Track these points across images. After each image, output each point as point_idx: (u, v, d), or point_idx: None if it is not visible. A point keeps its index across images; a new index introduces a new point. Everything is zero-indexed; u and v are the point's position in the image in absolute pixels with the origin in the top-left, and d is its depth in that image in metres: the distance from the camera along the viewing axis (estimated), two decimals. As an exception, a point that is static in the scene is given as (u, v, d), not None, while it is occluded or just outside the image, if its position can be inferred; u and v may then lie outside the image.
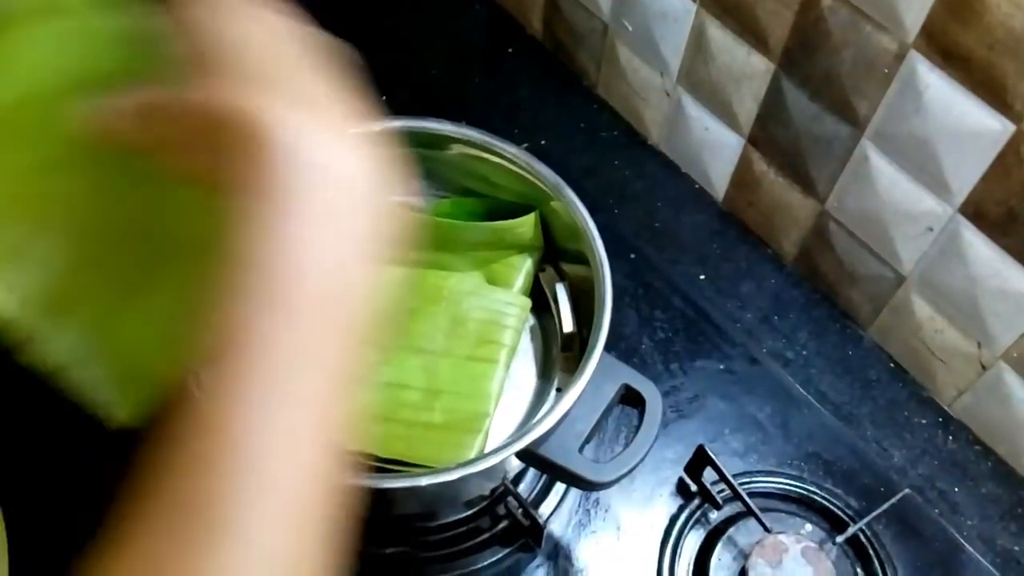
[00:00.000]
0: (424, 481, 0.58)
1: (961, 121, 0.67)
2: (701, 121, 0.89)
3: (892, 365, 0.85)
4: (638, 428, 0.60)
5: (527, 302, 0.71)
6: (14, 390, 0.80)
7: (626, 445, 0.77)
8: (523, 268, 0.72)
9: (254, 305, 0.32)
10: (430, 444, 0.64)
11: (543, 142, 0.94)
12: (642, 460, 0.59)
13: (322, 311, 0.33)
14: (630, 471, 0.59)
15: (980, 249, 0.71)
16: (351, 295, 0.34)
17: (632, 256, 0.88)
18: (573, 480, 0.60)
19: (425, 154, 0.73)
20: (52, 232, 0.37)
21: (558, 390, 0.69)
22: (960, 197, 0.70)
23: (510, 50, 1.05)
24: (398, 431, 0.64)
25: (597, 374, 0.59)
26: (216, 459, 0.31)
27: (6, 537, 0.58)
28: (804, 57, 0.75)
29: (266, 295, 0.32)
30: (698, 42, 0.84)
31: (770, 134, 0.83)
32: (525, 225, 0.71)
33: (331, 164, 0.34)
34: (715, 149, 0.90)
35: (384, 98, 1.04)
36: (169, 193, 0.38)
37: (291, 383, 0.32)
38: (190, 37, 0.36)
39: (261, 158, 0.33)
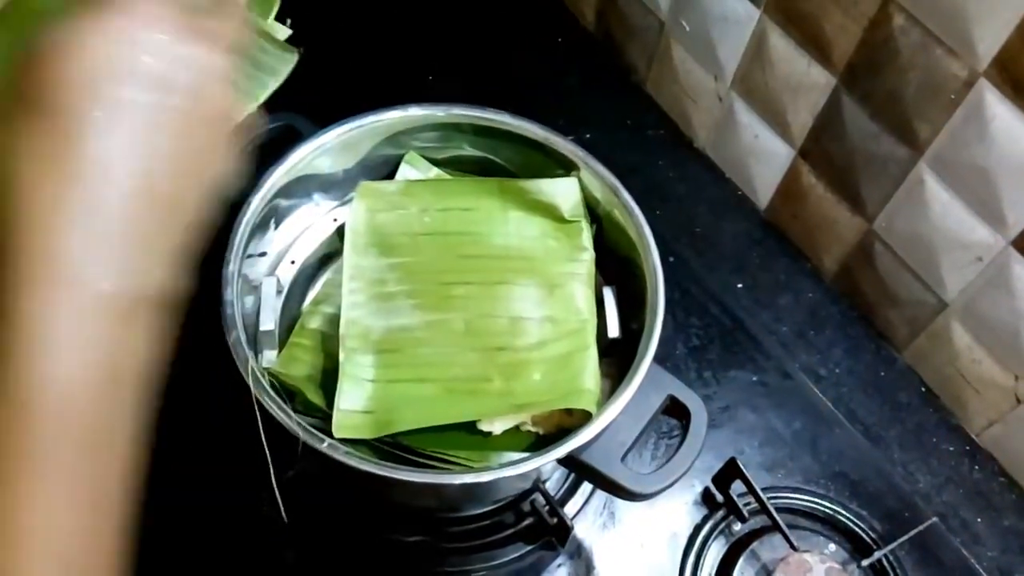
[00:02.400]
0: (460, 480, 0.57)
1: (1026, 155, 0.66)
2: (752, 128, 0.88)
3: (924, 390, 0.84)
4: (682, 441, 0.60)
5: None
6: None
7: (654, 453, 0.78)
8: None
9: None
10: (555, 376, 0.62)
11: (588, 136, 0.93)
12: (684, 474, 0.59)
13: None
14: (672, 484, 0.59)
15: (1030, 284, 0.70)
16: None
17: (671, 259, 0.87)
18: (613, 489, 0.59)
19: (475, 142, 0.72)
20: None
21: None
22: (1015, 230, 0.69)
23: (559, 39, 1.04)
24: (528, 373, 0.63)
25: (643, 383, 0.59)
26: None
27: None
28: (868, 74, 0.74)
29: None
30: (758, 49, 0.83)
31: (823, 148, 0.82)
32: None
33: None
34: (763, 158, 0.89)
35: (431, 79, 1.04)
36: None
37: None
38: None
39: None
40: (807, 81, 0.80)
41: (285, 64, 0.52)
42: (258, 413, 0.58)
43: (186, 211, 0.37)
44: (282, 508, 0.61)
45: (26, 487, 0.32)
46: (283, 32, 0.55)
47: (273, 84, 0.51)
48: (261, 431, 0.58)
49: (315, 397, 0.63)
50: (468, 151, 0.73)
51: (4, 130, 0.34)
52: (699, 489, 0.77)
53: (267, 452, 0.65)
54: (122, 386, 0.35)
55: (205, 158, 0.37)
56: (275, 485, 0.59)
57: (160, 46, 0.35)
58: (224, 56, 0.38)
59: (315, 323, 0.67)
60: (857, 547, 0.74)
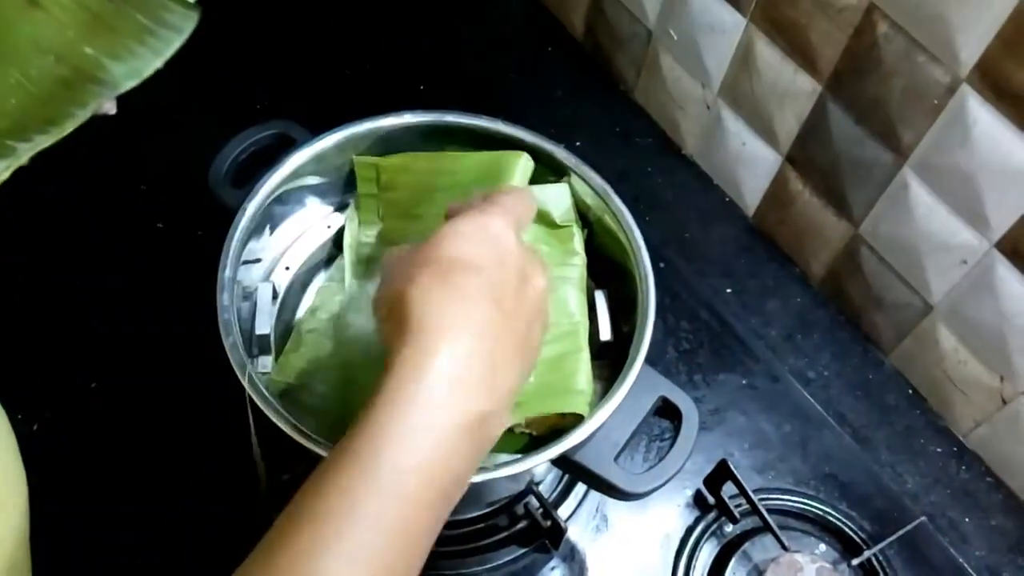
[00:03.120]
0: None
1: (1007, 159, 0.67)
2: (739, 135, 0.89)
3: (911, 392, 0.85)
4: (673, 441, 0.61)
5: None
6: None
7: (646, 455, 0.78)
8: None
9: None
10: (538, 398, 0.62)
11: (577, 143, 0.94)
12: (676, 473, 0.60)
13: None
14: (664, 483, 0.59)
15: (1013, 285, 0.72)
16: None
17: (661, 265, 0.88)
18: (607, 489, 0.60)
19: (466, 150, 0.73)
20: None
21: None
22: (998, 233, 0.71)
23: (549, 49, 1.05)
24: None
25: (635, 385, 0.60)
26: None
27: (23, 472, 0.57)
28: (853, 81, 0.75)
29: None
30: (745, 57, 0.84)
31: (809, 154, 0.83)
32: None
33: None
34: (750, 164, 0.90)
35: (422, 88, 1.05)
36: None
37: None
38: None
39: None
40: (793, 88, 0.81)
41: (188, 22, 0.54)
42: (251, 417, 0.58)
43: (524, 360, 0.47)
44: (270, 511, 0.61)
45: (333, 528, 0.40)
46: None
47: (177, 42, 0.53)
48: (253, 434, 0.59)
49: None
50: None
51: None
52: (691, 491, 0.78)
53: (258, 456, 0.66)
54: (443, 486, 0.43)
55: (533, 327, 0.48)
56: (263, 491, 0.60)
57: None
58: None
59: (311, 329, 0.68)
60: (847, 547, 0.75)
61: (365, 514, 0.40)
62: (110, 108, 0.56)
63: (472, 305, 0.45)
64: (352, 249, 0.70)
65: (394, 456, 0.41)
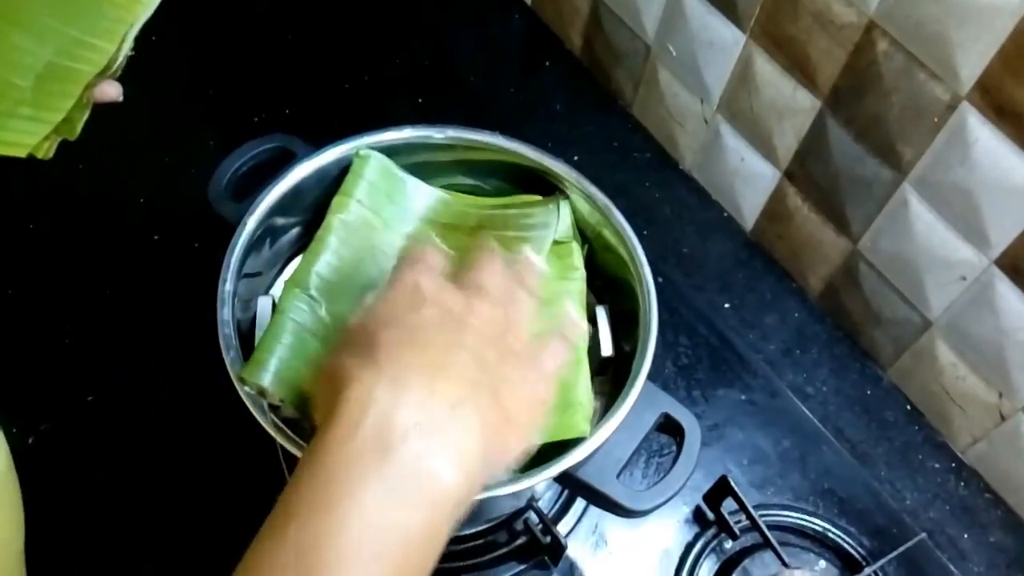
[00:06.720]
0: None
1: (1007, 176, 0.67)
2: (738, 151, 0.90)
3: (909, 407, 0.85)
4: (676, 457, 0.61)
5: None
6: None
7: (645, 471, 0.78)
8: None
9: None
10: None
11: (575, 158, 0.94)
12: (680, 490, 0.59)
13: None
14: (667, 500, 0.59)
15: (1012, 302, 0.72)
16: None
17: (659, 280, 0.87)
18: (609, 505, 0.60)
19: (466, 169, 0.73)
20: None
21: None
22: (998, 250, 0.71)
23: (547, 63, 1.06)
24: None
25: (638, 401, 0.60)
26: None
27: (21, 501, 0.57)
28: (852, 98, 0.76)
29: None
30: (744, 73, 0.84)
31: (808, 170, 0.83)
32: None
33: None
34: (749, 179, 0.90)
35: (420, 101, 1.05)
36: None
37: None
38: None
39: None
40: (792, 104, 0.81)
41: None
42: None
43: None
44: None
45: None
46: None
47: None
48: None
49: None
50: (459, 180, 0.74)
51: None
52: (690, 508, 0.77)
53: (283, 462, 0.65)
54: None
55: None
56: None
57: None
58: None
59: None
60: (847, 564, 0.75)
61: None
62: (117, 95, 0.56)
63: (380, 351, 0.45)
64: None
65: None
